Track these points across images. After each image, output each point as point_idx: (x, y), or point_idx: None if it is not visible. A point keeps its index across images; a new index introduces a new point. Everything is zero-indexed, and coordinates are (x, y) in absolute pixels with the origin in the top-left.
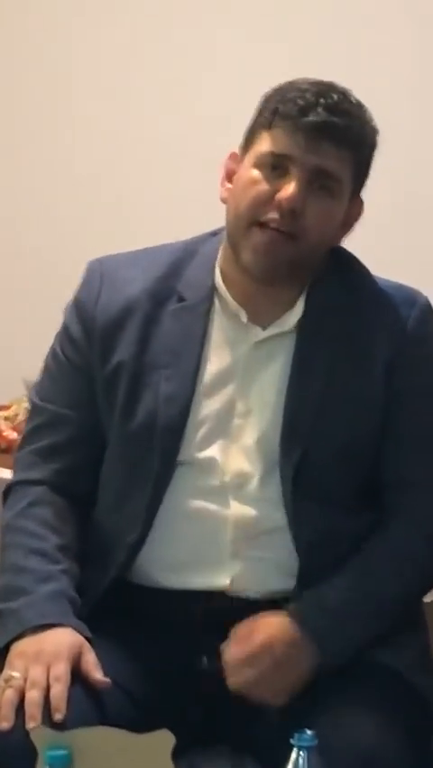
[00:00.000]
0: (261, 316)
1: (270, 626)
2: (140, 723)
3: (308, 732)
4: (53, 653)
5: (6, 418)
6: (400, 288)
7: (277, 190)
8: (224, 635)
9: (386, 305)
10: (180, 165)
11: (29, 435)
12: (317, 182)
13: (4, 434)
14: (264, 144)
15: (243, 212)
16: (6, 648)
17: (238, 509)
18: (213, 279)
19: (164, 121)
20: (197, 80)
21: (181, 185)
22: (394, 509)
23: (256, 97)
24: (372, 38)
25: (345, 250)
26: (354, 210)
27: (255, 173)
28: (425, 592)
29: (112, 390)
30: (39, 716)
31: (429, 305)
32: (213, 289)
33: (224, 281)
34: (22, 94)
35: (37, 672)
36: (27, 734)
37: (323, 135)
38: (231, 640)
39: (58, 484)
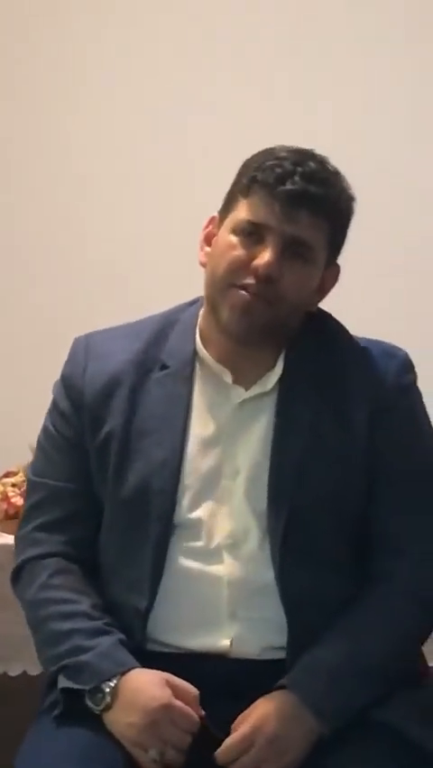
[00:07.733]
0: (243, 377)
1: (262, 708)
2: None
3: None
4: (161, 708)
5: (14, 485)
6: (379, 343)
7: (253, 256)
8: (229, 699)
9: (365, 360)
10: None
11: (29, 513)
12: (292, 249)
13: (12, 500)
14: (242, 211)
15: (221, 275)
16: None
17: (232, 570)
18: (194, 345)
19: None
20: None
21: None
22: (384, 572)
23: None
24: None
25: (322, 311)
26: (329, 276)
27: (233, 238)
28: (414, 654)
29: (103, 459)
30: None
31: (408, 358)
32: (194, 355)
33: (205, 346)
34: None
35: (172, 736)
36: None
37: (299, 205)
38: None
39: (70, 555)
